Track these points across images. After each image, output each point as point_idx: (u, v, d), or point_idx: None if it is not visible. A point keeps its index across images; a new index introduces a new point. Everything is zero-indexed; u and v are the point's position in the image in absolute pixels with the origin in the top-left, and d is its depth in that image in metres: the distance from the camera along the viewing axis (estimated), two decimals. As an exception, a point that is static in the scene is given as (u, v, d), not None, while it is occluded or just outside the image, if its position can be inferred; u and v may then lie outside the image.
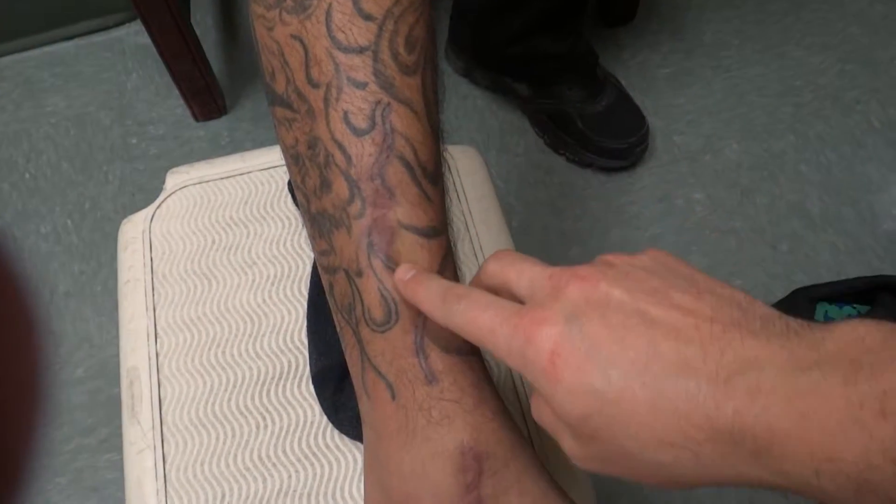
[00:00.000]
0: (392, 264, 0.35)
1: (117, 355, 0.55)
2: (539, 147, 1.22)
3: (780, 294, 0.97)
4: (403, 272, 0.34)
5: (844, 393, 0.22)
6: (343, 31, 0.35)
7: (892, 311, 0.90)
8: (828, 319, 0.95)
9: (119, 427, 0.53)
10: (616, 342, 0.26)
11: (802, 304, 0.92)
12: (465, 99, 1.27)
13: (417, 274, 0.34)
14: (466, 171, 0.62)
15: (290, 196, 0.60)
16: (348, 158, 0.35)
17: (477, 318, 0.30)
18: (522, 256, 0.32)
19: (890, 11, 1.34)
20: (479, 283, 0.34)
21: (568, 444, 0.29)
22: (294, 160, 0.38)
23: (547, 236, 1.14)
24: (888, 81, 1.27)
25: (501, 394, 0.38)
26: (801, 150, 1.20)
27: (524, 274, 0.31)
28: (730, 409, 0.24)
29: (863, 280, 0.94)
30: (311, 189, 0.37)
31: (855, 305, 0.96)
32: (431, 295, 0.32)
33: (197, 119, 1.25)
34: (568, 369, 0.27)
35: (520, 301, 0.31)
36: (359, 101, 0.35)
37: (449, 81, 1.27)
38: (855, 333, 0.24)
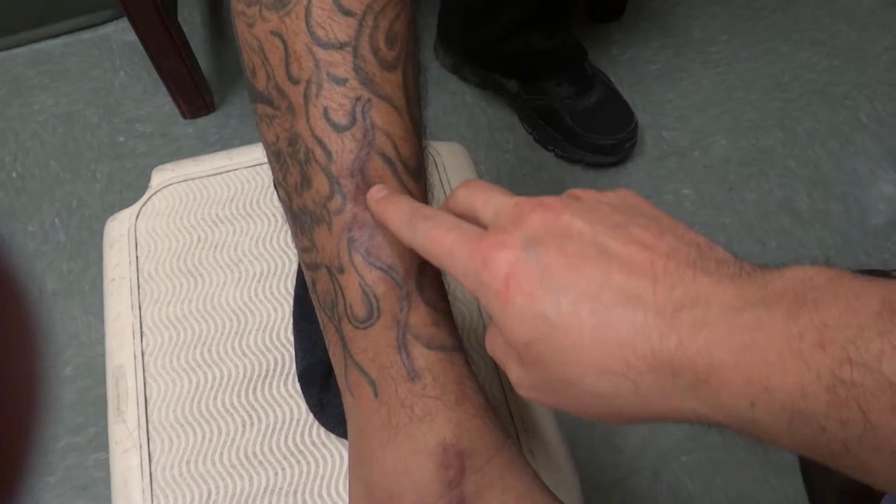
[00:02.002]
0: (373, 259, 0.35)
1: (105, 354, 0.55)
2: (528, 143, 1.22)
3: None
4: (376, 191, 0.35)
5: (785, 326, 0.23)
6: (323, 27, 0.35)
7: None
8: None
9: (108, 426, 0.53)
10: (570, 270, 0.27)
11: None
12: (454, 95, 1.27)
13: (390, 194, 0.34)
14: (453, 167, 0.62)
15: (276, 193, 0.60)
16: (328, 154, 0.35)
17: (439, 238, 0.30)
18: (492, 186, 0.32)
19: (878, 7, 1.34)
20: (447, 208, 0.34)
21: (514, 372, 0.29)
22: (275, 157, 0.38)
23: (537, 233, 1.14)
24: (876, 77, 1.27)
25: (485, 390, 0.37)
26: (789, 146, 1.21)
27: (491, 202, 0.31)
28: (673, 340, 0.24)
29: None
30: (292, 186, 0.37)
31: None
32: (400, 214, 0.33)
33: (185, 116, 1.25)
34: (520, 293, 0.27)
35: (485, 228, 0.31)
36: (339, 98, 0.35)
37: (438, 78, 1.27)
38: (804, 274, 0.24)
